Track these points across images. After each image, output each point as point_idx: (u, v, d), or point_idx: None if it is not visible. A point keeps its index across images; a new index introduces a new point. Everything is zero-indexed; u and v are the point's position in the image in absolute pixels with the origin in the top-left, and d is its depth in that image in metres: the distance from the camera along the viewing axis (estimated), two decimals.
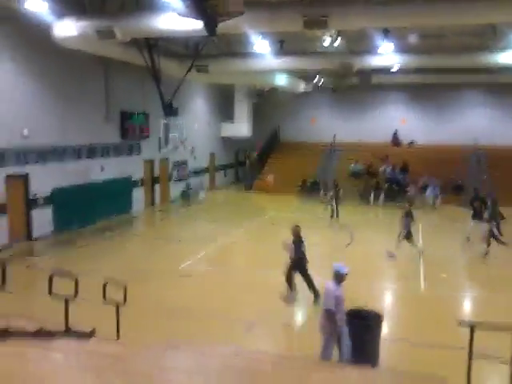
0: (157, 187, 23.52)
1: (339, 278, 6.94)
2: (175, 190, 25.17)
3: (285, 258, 10.74)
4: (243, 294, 11.30)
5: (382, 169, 26.79)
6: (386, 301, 11.67)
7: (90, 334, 6.45)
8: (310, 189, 26.19)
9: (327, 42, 16.68)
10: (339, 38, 19.02)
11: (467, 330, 5.86)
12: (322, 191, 25.21)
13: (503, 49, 17.75)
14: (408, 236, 14.33)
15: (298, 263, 10.63)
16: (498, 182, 24.93)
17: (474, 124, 28.51)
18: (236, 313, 9.86)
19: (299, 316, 10.80)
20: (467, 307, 11.43)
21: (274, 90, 28.60)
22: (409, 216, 14.40)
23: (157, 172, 23.42)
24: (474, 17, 12.25)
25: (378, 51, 18.10)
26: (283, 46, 19.81)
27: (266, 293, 11.38)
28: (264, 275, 12.55)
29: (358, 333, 7.06)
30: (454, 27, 17.61)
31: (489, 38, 18.17)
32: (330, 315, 6.87)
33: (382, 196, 24.46)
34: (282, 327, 9.54)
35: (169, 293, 11.33)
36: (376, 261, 14.43)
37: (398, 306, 11.26)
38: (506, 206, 22.09)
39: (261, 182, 28.58)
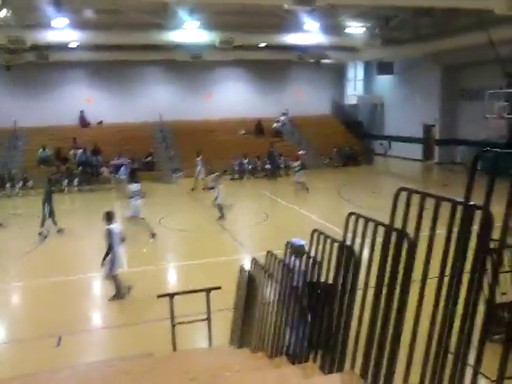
0: None
1: (299, 251, 5.90)
2: None
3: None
4: (44, 305, 9.55)
5: (71, 153, 25.53)
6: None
7: None
8: None
9: None
10: (6, 10, 17.16)
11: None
12: (7, 184, 22.67)
13: (175, 27, 18.60)
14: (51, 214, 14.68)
15: None
16: (186, 155, 26.54)
17: (158, 100, 29.48)
18: (40, 328, 8.27)
19: (114, 318, 9.31)
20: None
21: None
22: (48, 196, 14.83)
23: None
24: None
25: (52, 25, 16.90)
26: None
27: (73, 297, 9.89)
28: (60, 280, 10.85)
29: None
30: (128, 3, 17.62)
31: (161, 16, 18.81)
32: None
33: (75, 181, 23.35)
34: (101, 331, 8.54)
35: None
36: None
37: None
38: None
39: None
